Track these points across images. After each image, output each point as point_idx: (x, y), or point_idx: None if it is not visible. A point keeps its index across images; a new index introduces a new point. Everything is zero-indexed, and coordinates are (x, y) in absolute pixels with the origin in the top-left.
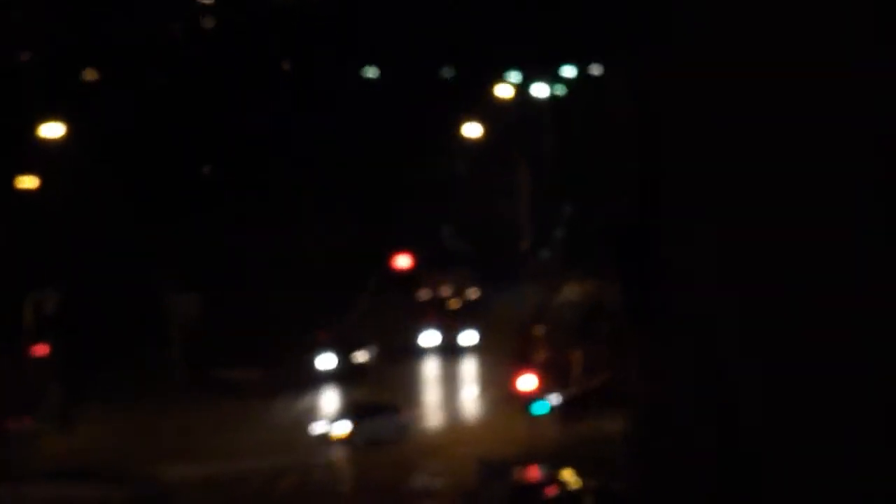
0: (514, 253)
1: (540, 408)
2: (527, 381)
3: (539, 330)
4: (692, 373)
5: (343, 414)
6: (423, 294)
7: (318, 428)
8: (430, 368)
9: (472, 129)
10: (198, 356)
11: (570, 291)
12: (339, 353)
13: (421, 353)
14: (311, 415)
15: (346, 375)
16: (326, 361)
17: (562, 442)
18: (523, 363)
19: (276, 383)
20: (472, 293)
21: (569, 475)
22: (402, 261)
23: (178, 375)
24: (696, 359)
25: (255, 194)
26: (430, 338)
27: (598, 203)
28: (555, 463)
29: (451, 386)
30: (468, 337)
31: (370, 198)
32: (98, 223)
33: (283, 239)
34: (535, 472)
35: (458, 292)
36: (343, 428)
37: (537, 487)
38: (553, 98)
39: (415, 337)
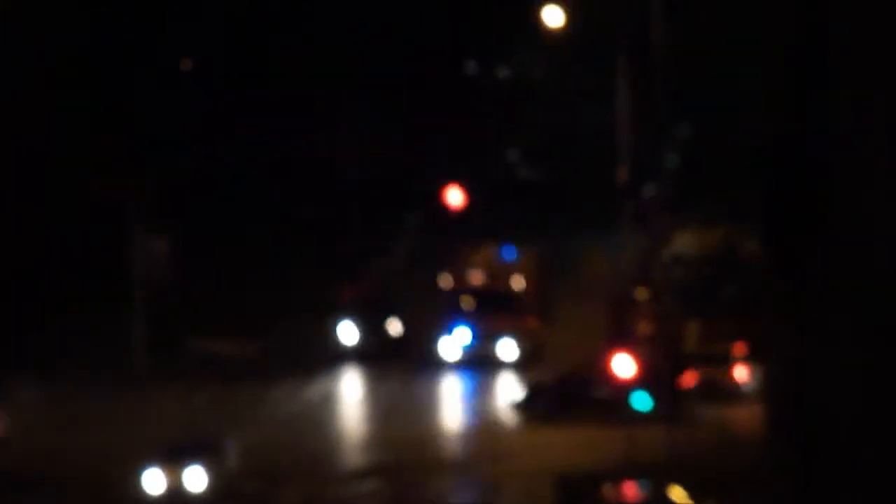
0: (608, 188)
1: (641, 401)
2: (623, 365)
3: (642, 294)
4: (865, 350)
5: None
6: (445, 280)
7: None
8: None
9: (553, 16)
10: (168, 321)
11: (686, 241)
12: (366, 321)
13: (439, 365)
14: (326, 407)
15: (374, 353)
16: (350, 332)
17: (669, 449)
18: (619, 340)
19: (276, 361)
20: (517, 281)
21: (678, 495)
22: (454, 195)
23: (140, 347)
24: (873, 330)
25: (253, 94)
26: (451, 346)
27: (729, 119)
28: (659, 478)
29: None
30: (506, 347)
31: (413, 107)
32: (33, 132)
33: (290, 159)
34: (631, 491)
35: (496, 278)
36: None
37: None
38: None
39: (433, 343)
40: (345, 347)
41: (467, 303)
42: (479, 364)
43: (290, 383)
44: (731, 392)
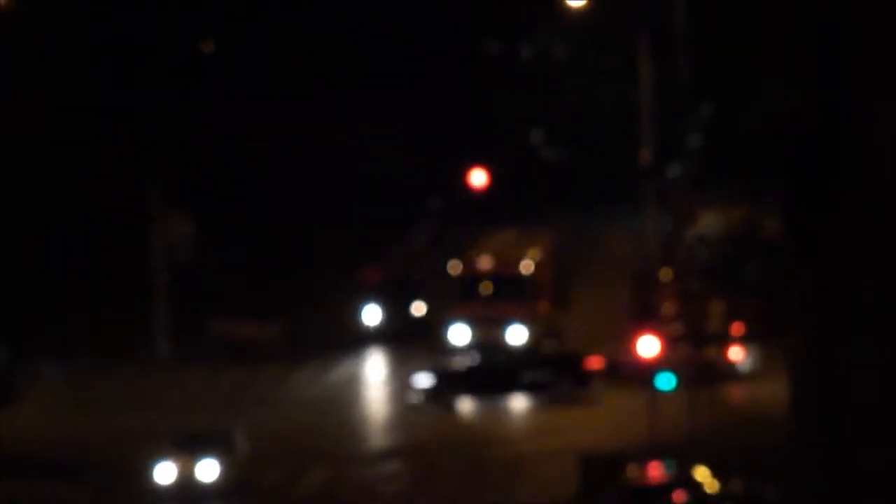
0: (632, 167)
1: (665, 381)
2: (648, 345)
3: (665, 274)
4: (887, 328)
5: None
6: (454, 266)
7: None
8: None
9: None
10: (190, 301)
11: (709, 221)
12: (389, 303)
13: (450, 351)
14: (349, 389)
15: (397, 335)
16: (374, 314)
17: (694, 429)
18: (643, 320)
19: (300, 344)
20: (526, 266)
21: (703, 475)
22: (478, 176)
23: (161, 328)
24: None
25: (274, 76)
26: (459, 334)
27: (751, 98)
28: (684, 458)
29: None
30: (515, 333)
31: (435, 87)
32: (50, 111)
33: (312, 140)
34: (657, 472)
35: (505, 263)
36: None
37: (660, 492)
38: None
39: (443, 332)
40: (369, 329)
41: (475, 288)
42: (489, 349)
43: (314, 366)
44: (727, 372)
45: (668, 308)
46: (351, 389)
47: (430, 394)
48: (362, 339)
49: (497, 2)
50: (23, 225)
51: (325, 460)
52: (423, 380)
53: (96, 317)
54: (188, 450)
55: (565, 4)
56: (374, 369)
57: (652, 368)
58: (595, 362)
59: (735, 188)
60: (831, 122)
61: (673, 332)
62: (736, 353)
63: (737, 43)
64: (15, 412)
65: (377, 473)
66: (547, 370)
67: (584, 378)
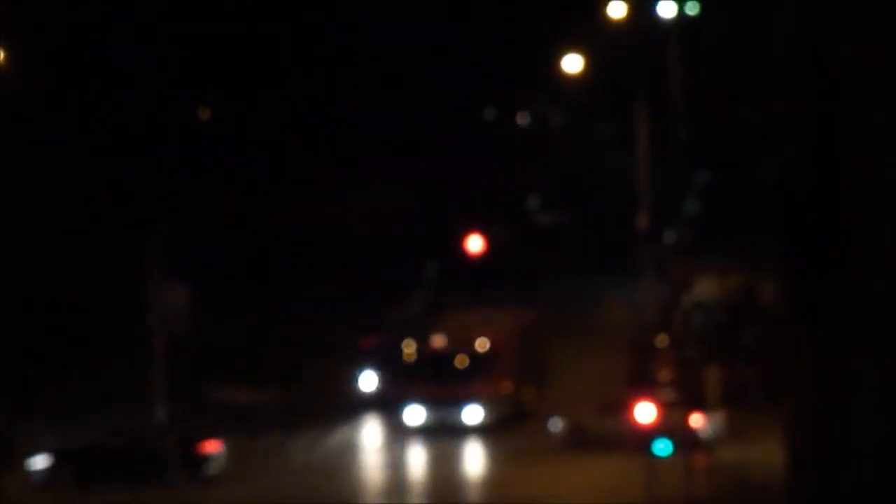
0: (629, 234)
1: (662, 447)
2: (645, 411)
3: (662, 340)
4: (886, 392)
5: None
6: (408, 346)
7: None
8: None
9: (573, 63)
10: (187, 369)
11: (705, 287)
12: (386, 369)
13: (405, 433)
14: (348, 457)
15: (393, 402)
16: (370, 380)
17: (694, 494)
18: (640, 386)
19: (298, 409)
20: (481, 344)
21: None
22: (474, 243)
23: (159, 395)
24: (895, 372)
25: (270, 145)
26: (414, 415)
27: (746, 165)
28: None
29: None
30: (472, 413)
31: (432, 155)
32: (44, 180)
33: (308, 209)
34: None
35: (461, 342)
36: None
37: None
38: (683, 18)
39: (399, 411)
40: (366, 396)
41: (429, 368)
42: (444, 431)
43: (312, 432)
44: (689, 439)
45: (664, 375)
46: (348, 455)
47: (45, 474)
48: (359, 406)
49: (495, 69)
50: (21, 292)
51: None
52: (40, 461)
53: (94, 384)
54: None
55: (562, 72)
56: (371, 436)
57: (649, 435)
58: (211, 446)
59: (732, 254)
60: (830, 187)
61: (668, 399)
62: (696, 420)
63: (733, 109)
64: (15, 478)
65: None
66: (158, 455)
67: (197, 461)
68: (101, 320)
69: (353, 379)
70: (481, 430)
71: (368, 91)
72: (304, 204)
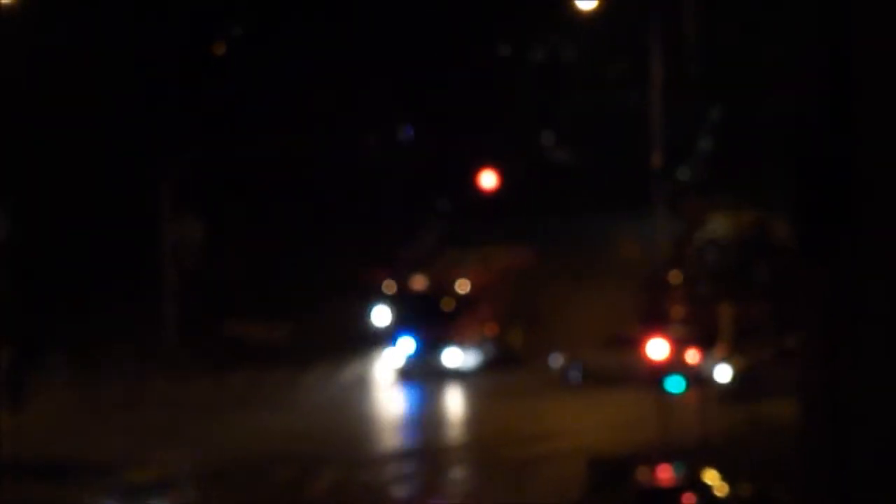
0: (641, 170)
1: (674, 384)
2: (657, 348)
3: (675, 277)
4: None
5: None
6: (389, 286)
7: None
8: None
9: None
10: (199, 303)
11: (719, 224)
12: (399, 301)
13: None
14: (360, 392)
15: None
16: (383, 316)
17: (703, 432)
18: (653, 323)
19: (311, 344)
20: (462, 285)
21: (712, 477)
22: (487, 178)
23: (171, 329)
24: None
25: (283, 78)
26: (396, 356)
27: (760, 101)
28: (693, 461)
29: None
30: (452, 356)
31: (443, 90)
32: (58, 112)
33: (319, 140)
34: (666, 474)
35: (443, 284)
36: None
37: (669, 494)
38: None
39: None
40: (379, 331)
41: (409, 310)
42: (426, 374)
43: (323, 367)
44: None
45: (677, 311)
46: (360, 391)
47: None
48: (372, 340)
49: (507, 4)
50: (31, 226)
51: (334, 462)
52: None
53: (105, 317)
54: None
55: (575, 7)
56: (384, 371)
57: (661, 371)
58: None
59: (745, 191)
60: (842, 124)
61: (682, 336)
62: (692, 356)
63: (747, 45)
64: (21, 416)
65: (385, 475)
66: None
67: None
68: (113, 253)
69: (366, 314)
70: (463, 374)
71: (380, 27)
72: (317, 140)
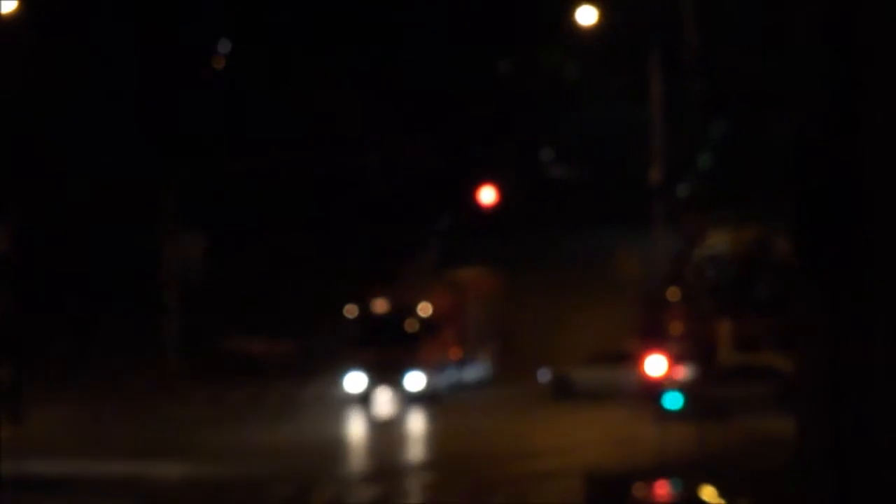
0: (641, 186)
1: (672, 400)
2: (655, 364)
3: (674, 294)
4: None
5: None
6: (349, 309)
7: None
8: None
9: (586, 15)
10: (201, 320)
11: (719, 241)
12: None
13: (344, 400)
14: (357, 408)
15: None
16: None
17: (701, 448)
18: (651, 339)
19: (311, 360)
20: (424, 309)
21: (710, 494)
22: (487, 194)
23: (172, 346)
24: None
25: (284, 93)
26: (355, 382)
27: (761, 118)
28: (691, 478)
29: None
30: (414, 381)
31: (445, 107)
32: (65, 127)
33: (322, 159)
34: (663, 490)
35: (405, 307)
36: None
37: None
38: None
39: (338, 380)
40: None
41: (371, 333)
42: (386, 398)
43: (323, 383)
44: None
45: (675, 327)
46: (358, 408)
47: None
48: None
49: (508, 20)
50: (32, 240)
51: (333, 477)
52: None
53: (106, 331)
54: None
55: (576, 23)
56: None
57: (659, 388)
58: None
59: (745, 208)
60: (844, 140)
61: (680, 352)
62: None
63: (748, 61)
64: (20, 429)
65: (384, 490)
66: None
67: None
68: (115, 269)
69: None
70: (424, 398)
71: (384, 43)
72: (319, 156)
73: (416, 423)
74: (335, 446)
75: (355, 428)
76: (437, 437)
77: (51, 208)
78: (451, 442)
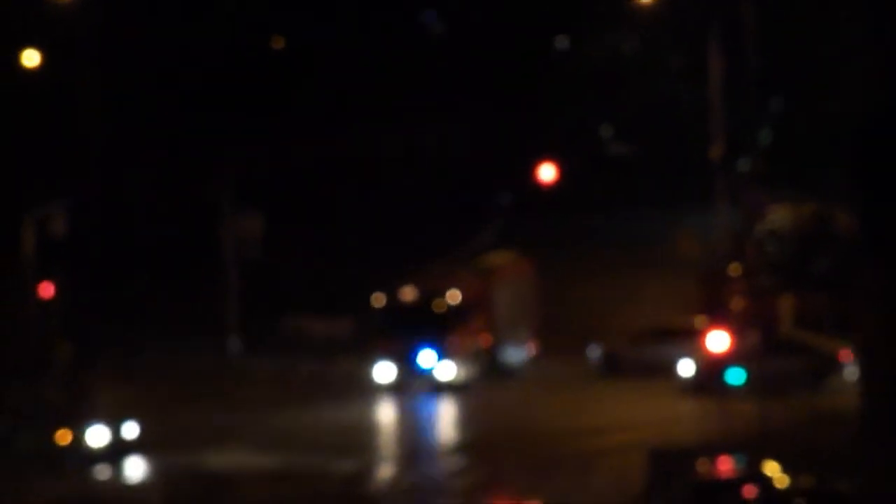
0: (701, 163)
1: (735, 376)
2: (717, 340)
3: (735, 270)
4: None
5: None
6: (377, 298)
7: None
8: None
9: None
10: (261, 299)
11: (779, 217)
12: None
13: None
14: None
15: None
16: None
17: (765, 424)
18: (713, 315)
19: (368, 339)
20: (452, 296)
21: (773, 470)
22: (547, 172)
23: (233, 325)
24: None
25: (345, 76)
26: (384, 372)
27: (822, 95)
28: (754, 453)
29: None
30: (444, 369)
31: (504, 84)
32: (124, 113)
33: (381, 138)
34: (726, 466)
35: (431, 293)
36: None
37: (730, 486)
38: None
39: (368, 368)
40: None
41: (400, 322)
42: (415, 387)
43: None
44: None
45: (737, 304)
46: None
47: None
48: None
49: None
50: (91, 224)
51: (395, 454)
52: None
53: (168, 313)
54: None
55: (636, 1)
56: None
57: (722, 363)
58: None
59: (805, 183)
60: None
61: (742, 328)
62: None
63: (808, 37)
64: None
65: (447, 468)
66: None
67: None
68: (176, 250)
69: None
70: (454, 387)
71: (439, 24)
72: (375, 137)
73: (460, 407)
74: (388, 427)
75: (406, 410)
76: (487, 418)
77: (108, 191)
78: (501, 422)
